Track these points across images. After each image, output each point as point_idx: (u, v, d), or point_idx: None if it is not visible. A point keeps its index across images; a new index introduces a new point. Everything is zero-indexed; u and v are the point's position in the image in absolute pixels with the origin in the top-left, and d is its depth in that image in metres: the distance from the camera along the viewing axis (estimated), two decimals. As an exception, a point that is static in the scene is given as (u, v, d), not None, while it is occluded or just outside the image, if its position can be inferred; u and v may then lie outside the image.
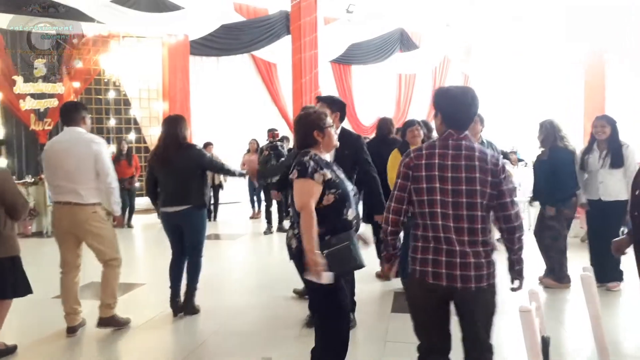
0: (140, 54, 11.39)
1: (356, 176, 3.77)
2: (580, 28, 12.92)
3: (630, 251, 2.82)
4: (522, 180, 7.49)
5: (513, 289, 2.25)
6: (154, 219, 8.88)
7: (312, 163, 2.44)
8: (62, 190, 3.65)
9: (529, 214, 7.58)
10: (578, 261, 4.66)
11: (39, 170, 9.91)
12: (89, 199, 3.67)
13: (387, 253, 2.36)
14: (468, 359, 2.23)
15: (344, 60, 14.57)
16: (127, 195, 8.48)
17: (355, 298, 3.81)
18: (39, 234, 8.31)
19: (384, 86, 15.46)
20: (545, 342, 1.68)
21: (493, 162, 2.12)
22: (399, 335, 3.67)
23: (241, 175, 4.59)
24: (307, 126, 2.56)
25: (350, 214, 2.52)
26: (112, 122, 11.24)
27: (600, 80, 12.92)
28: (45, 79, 10.14)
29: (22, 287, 3.39)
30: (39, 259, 5.96)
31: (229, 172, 4.43)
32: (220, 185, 9.94)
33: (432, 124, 5.86)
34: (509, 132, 14.22)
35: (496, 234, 2.50)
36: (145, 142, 11.67)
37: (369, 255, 2.94)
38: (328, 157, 2.74)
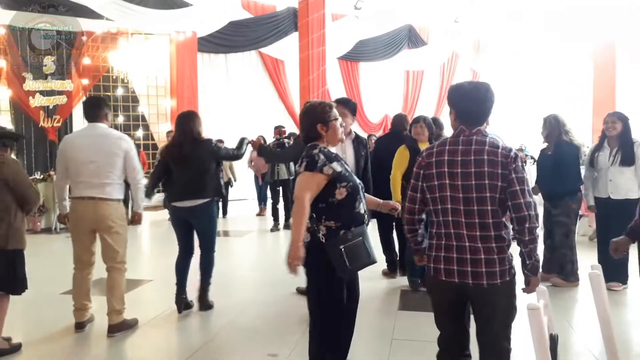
0: (149, 51, 11.44)
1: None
2: (589, 22, 12.80)
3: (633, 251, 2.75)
4: (532, 177, 7.43)
5: (523, 290, 2.15)
6: (160, 215, 8.93)
7: (321, 156, 2.43)
8: (87, 186, 3.62)
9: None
10: (587, 260, 4.64)
11: (48, 167, 10.01)
12: (113, 194, 3.68)
13: (412, 248, 2.40)
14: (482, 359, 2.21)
15: (352, 57, 14.54)
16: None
17: (362, 296, 3.80)
18: (47, 230, 8.37)
19: (391, 83, 15.42)
20: (554, 340, 1.67)
21: (503, 154, 2.08)
22: (406, 333, 3.66)
23: (246, 143, 4.45)
24: (311, 119, 2.55)
25: (362, 208, 2.52)
26: (120, 119, 11.30)
27: (610, 76, 12.80)
28: (53, 75, 10.21)
29: (23, 284, 3.38)
30: (48, 255, 6.01)
31: (242, 151, 4.35)
32: (229, 182, 9.96)
33: (443, 121, 5.88)
34: (517, 129, 14.14)
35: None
36: (153, 139, 11.73)
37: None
38: (339, 150, 2.74)
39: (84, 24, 10.49)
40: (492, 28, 15.15)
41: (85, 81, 10.70)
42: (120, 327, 3.69)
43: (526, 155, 11.56)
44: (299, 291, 4.59)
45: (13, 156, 3.53)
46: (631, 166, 4.45)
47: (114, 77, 11.20)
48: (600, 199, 4.67)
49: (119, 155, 3.67)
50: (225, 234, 8.21)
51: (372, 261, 2.49)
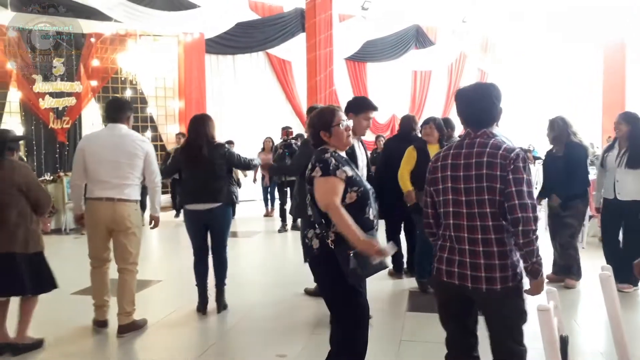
0: (157, 53, 11.50)
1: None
2: (599, 22, 12.71)
3: None
4: (540, 178, 7.38)
5: (526, 292, 2.11)
6: (168, 216, 8.99)
7: (333, 160, 2.39)
8: (105, 186, 3.62)
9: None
10: (598, 261, 4.60)
11: (58, 168, 10.09)
12: (132, 195, 3.69)
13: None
14: None
15: (359, 58, 14.54)
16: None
17: (369, 297, 3.79)
18: (57, 231, 8.44)
19: (399, 83, 15.39)
20: (564, 342, 1.66)
21: (503, 156, 2.05)
22: (414, 334, 3.66)
23: (258, 163, 4.52)
24: (314, 127, 2.53)
25: (371, 214, 2.47)
26: (128, 120, 11.35)
27: (620, 76, 12.71)
28: (62, 77, 10.30)
29: (51, 282, 3.46)
30: (59, 255, 6.04)
31: (254, 167, 4.41)
32: (238, 184, 10.00)
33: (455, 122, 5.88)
34: (525, 129, 14.06)
35: None
36: (161, 140, 11.78)
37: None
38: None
39: (93, 26, 10.58)
40: (500, 28, 15.09)
41: (94, 83, 10.78)
42: (129, 328, 3.71)
43: (534, 157, 11.47)
44: (307, 292, 4.60)
45: (20, 158, 3.56)
46: (637, 169, 4.37)
47: (123, 79, 11.27)
48: (606, 200, 4.65)
49: (139, 157, 3.69)
50: (234, 234, 8.21)
51: (383, 267, 2.42)
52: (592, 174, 5.17)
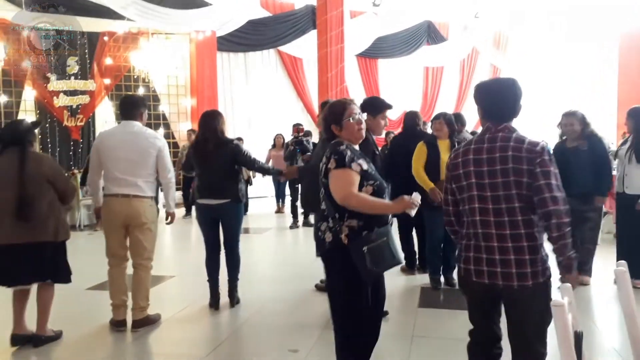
0: (169, 51, 11.59)
1: None
2: (614, 17, 12.52)
3: None
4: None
5: (558, 288, 2.12)
6: (180, 212, 9.04)
7: (348, 152, 2.36)
8: (121, 183, 3.66)
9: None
10: (613, 257, 4.56)
11: (72, 166, 10.21)
12: (147, 191, 3.73)
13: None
14: None
15: (371, 54, 14.49)
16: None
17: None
18: (72, 227, 8.51)
19: (410, 79, 15.30)
20: (578, 337, 1.64)
21: (528, 149, 2.03)
22: (427, 330, 3.65)
23: (275, 173, 4.52)
24: (326, 120, 2.52)
25: None
26: (141, 118, 11.44)
27: (636, 71, 12.50)
28: (76, 75, 10.40)
29: (68, 273, 3.57)
30: (74, 251, 6.09)
31: (262, 170, 4.39)
32: (249, 181, 10.04)
33: (466, 118, 5.84)
34: (539, 125, 13.92)
35: None
36: (173, 138, 11.86)
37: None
38: None
39: (106, 25, 10.68)
40: (513, 23, 14.93)
41: (107, 81, 10.89)
42: (143, 323, 3.75)
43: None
44: (318, 287, 4.61)
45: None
46: None
47: (135, 77, 11.35)
48: (618, 193, 4.67)
49: (151, 154, 3.71)
50: (246, 231, 8.25)
51: (397, 262, 2.42)
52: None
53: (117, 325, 3.74)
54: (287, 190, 9.34)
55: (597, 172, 4.51)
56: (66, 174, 3.88)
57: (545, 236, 2.10)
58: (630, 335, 2.06)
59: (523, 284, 2.03)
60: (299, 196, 8.45)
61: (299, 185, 8.44)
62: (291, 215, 8.53)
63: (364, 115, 2.61)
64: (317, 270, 4.88)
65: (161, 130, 11.64)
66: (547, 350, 2.17)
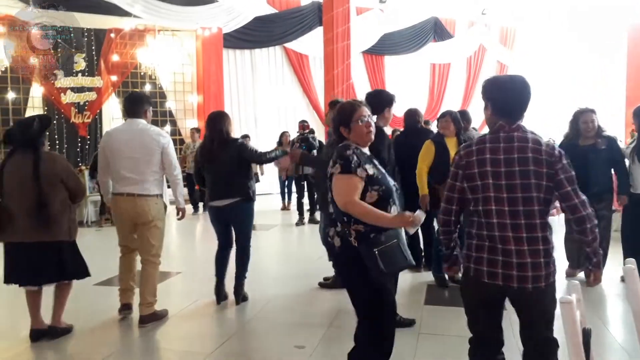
0: (175, 48, 11.61)
1: None
2: (621, 14, 12.42)
3: None
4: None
5: (587, 284, 2.15)
6: (188, 209, 9.05)
7: (354, 157, 2.31)
8: (127, 182, 3.69)
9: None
10: (618, 256, 4.53)
11: (79, 162, 10.26)
12: (152, 190, 3.75)
13: (444, 252, 2.35)
14: (527, 351, 2.19)
15: (377, 51, 14.44)
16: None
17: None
18: (79, 223, 8.55)
19: (417, 76, 15.24)
20: (587, 334, 1.64)
21: (548, 152, 2.02)
22: (432, 327, 3.65)
23: (282, 154, 4.41)
24: (335, 122, 2.49)
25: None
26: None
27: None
28: (83, 72, 10.44)
29: (85, 268, 3.65)
30: (81, 247, 6.15)
31: (270, 159, 4.34)
32: (256, 178, 10.05)
33: (471, 115, 5.78)
34: (547, 123, 13.84)
35: None
36: (180, 135, 11.90)
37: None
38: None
39: (112, 22, 10.72)
40: (520, 20, 14.84)
41: (114, 78, 10.93)
42: (151, 318, 3.78)
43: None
44: (322, 285, 4.63)
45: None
46: None
47: (142, 74, 11.38)
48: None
49: (156, 151, 3.73)
50: (253, 228, 8.26)
51: (409, 264, 2.38)
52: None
53: (124, 308, 3.84)
54: (293, 188, 9.34)
55: (617, 170, 4.54)
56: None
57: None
58: (638, 333, 2.05)
59: (537, 285, 2.04)
60: (305, 193, 8.49)
61: (305, 182, 8.47)
62: (297, 212, 8.53)
63: (374, 118, 2.57)
64: (323, 267, 4.89)
65: (168, 127, 11.68)
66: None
